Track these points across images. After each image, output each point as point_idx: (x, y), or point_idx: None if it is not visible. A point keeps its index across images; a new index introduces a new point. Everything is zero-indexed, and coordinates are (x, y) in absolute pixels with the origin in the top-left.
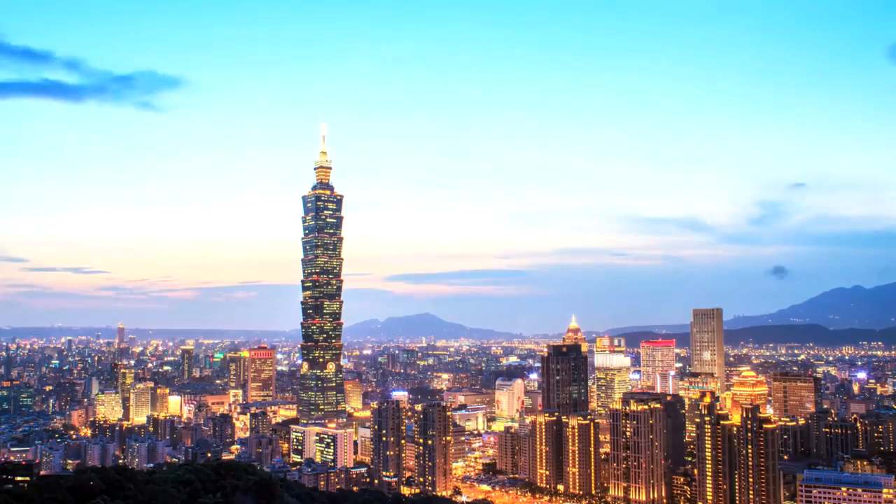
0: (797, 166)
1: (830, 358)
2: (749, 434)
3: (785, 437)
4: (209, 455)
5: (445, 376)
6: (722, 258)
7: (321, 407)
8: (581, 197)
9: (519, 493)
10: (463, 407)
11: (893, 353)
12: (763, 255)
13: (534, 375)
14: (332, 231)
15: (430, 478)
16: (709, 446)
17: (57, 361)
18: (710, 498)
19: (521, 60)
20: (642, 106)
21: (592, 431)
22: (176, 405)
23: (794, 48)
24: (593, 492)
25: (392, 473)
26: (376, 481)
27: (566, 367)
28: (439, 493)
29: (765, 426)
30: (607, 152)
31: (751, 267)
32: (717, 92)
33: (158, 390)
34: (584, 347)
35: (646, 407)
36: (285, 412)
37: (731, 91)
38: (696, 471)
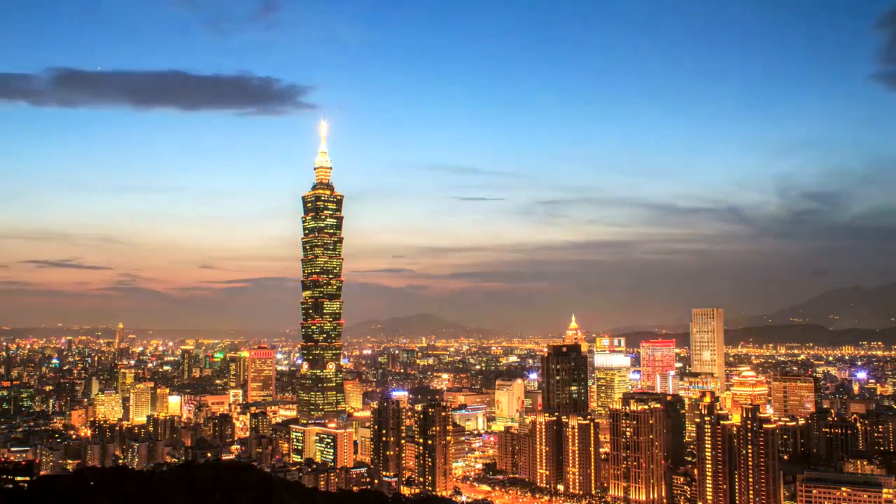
0: (862, 154)
1: (830, 358)
2: (749, 434)
3: (785, 437)
4: (209, 455)
5: (445, 376)
6: (753, 253)
7: (321, 407)
8: (606, 185)
9: (519, 493)
10: (463, 407)
11: (893, 353)
12: (800, 250)
13: (534, 375)
14: (332, 231)
15: (430, 478)
16: (709, 446)
17: (57, 361)
18: (710, 498)
19: (538, 42)
20: (680, 92)
21: (592, 431)
22: (176, 405)
23: (853, 28)
24: (593, 492)
25: (392, 473)
26: (376, 481)
27: (566, 367)
28: (439, 493)
29: (765, 426)
30: (639, 136)
31: (782, 263)
32: (774, 73)
33: (158, 390)
34: (584, 347)
35: (646, 407)
36: (285, 412)
37: (790, 73)
38: (696, 471)
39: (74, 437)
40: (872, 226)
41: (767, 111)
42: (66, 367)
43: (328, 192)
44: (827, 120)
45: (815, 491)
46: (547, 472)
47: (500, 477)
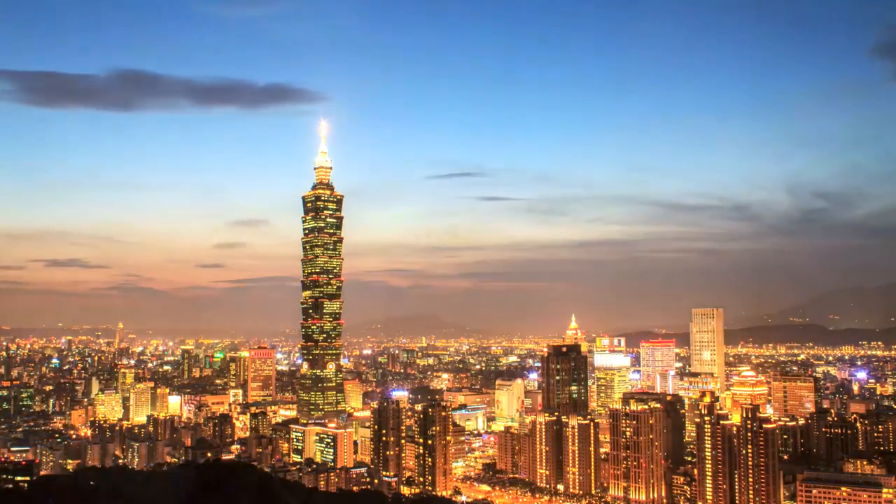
0: (874, 153)
1: (830, 358)
2: (749, 434)
3: (785, 437)
4: (209, 455)
5: (445, 376)
6: (758, 252)
7: (321, 407)
8: (610, 182)
9: (519, 492)
10: (463, 407)
11: (893, 353)
12: (807, 249)
13: (534, 375)
14: (332, 231)
15: (430, 478)
16: (709, 446)
17: (57, 361)
18: (710, 498)
19: (539, 40)
20: (688, 88)
21: (592, 431)
22: (176, 405)
23: (865, 26)
24: (593, 492)
25: (392, 473)
26: (376, 481)
27: (566, 366)
28: (439, 493)
29: (765, 426)
30: (646, 133)
31: (787, 262)
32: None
33: (158, 390)
34: (584, 347)
35: (646, 407)
36: (285, 412)
37: (801, 70)
38: (696, 471)
39: (74, 437)
40: (883, 225)
41: (777, 108)
42: (66, 367)
43: (328, 192)
44: (838, 117)
45: (814, 491)
46: (547, 472)
47: (501, 477)
